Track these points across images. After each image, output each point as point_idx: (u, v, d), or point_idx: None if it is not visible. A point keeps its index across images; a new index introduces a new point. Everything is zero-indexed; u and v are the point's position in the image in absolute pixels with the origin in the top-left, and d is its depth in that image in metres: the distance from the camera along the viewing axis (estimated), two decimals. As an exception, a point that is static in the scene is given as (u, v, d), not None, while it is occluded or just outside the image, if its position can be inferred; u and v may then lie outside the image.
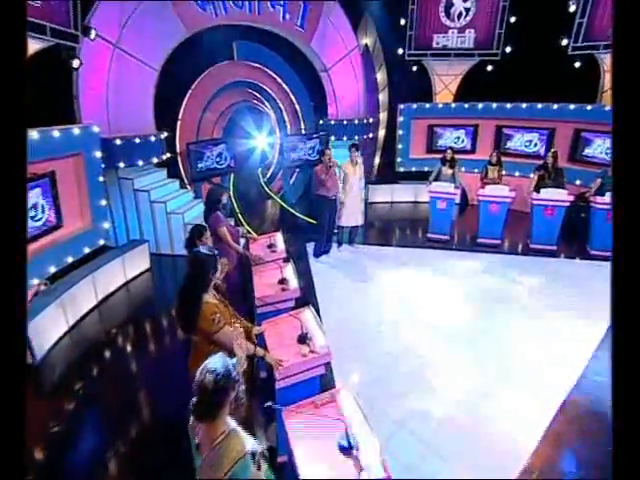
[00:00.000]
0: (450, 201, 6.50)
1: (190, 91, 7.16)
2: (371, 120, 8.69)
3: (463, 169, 7.34)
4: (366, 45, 8.98)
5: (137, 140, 5.86)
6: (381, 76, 9.44)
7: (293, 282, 3.29)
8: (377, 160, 9.56)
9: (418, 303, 4.66)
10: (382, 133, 9.55)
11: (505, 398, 3.17)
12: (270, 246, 4.13)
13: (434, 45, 8.32)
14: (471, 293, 4.84)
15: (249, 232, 5.20)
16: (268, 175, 9.75)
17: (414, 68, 8.59)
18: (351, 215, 6.00)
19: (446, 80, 8.73)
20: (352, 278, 5.29)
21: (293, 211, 7.53)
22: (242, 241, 4.10)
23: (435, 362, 3.61)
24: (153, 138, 6.19)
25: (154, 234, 6.00)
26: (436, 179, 6.65)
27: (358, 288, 5.01)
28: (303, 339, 2.44)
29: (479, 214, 6.28)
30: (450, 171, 6.67)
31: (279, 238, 4.27)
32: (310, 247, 6.05)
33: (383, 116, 9.53)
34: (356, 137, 8.11)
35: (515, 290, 4.92)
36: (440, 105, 8.56)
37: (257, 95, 8.58)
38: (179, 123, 7.18)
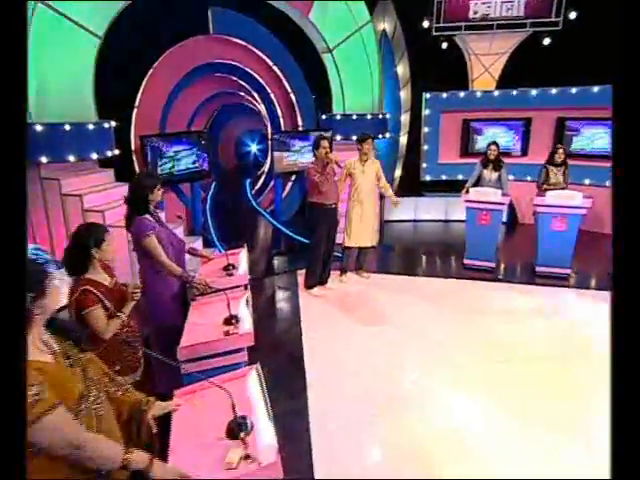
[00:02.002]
0: (496, 214, 5.89)
1: (151, 72, 6.68)
2: (388, 116, 8.32)
3: (511, 177, 6.60)
4: (384, 32, 8.92)
5: (67, 127, 5.15)
6: (403, 70, 9.27)
7: (245, 322, 2.48)
8: (398, 172, 9.39)
9: (452, 358, 4.03)
10: (404, 140, 9.45)
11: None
12: (227, 268, 3.37)
13: (470, 16, 7.89)
14: (529, 344, 4.26)
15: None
16: (259, 185, 9.54)
17: (443, 45, 8.20)
18: (360, 233, 5.52)
19: (486, 61, 8.36)
20: (356, 319, 4.78)
21: (283, 229, 7.22)
22: (187, 258, 3.53)
23: (489, 458, 2.84)
24: (92, 127, 5.49)
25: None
26: (475, 185, 6.15)
27: (364, 335, 4.46)
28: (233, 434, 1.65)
29: (537, 233, 5.80)
30: (495, 174, 6.12)
31: (242, 257, 3.56)
32: (302, 275, 5.60)
33: (405, 119, 9.36)
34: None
35: (592, 341, 4.23)
36: (479, 93, 8.21)
37: (241, 83, 8.29)
38: (135, 112, 6.65)
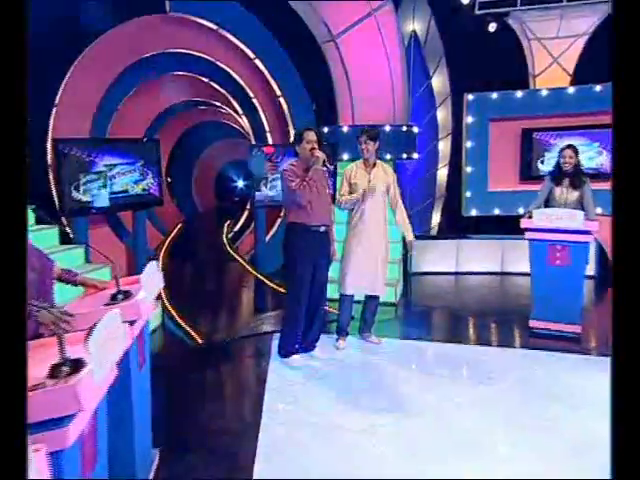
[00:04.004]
0: (578, 249, 5.38)
1: (78, 60, 6.75)
2: (416, 130, 8.29)
3: (598, 210, 6.29)
4: (414, 35, 9.33)
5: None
6: (440, 82, 9.62)
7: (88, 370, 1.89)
8: (436, 219, 9.76)
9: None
10: (443, 174, 9.70)
11: None
12: (115, 296, 2.99)
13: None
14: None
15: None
16: (239, 226, 10.14)
17: (491, 28, 8.47)
18: (362, 274, 5.15)
19: (555, 48, 8.39)
20: (350, 405, 4.19)
21: (262, 278, 7.41)
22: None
23: None
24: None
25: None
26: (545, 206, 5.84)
27: (357, 432, 3.82)
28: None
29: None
30: (574, 193, 5.64)
31: (147, 279, 3.18)
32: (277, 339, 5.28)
33: (445, 147, 9.54)
34: (388, 156, 7.74)
35: None
36: (544, 92, 8.08)
37: (213, 85, 8.57)
38: (55, 111, 6.67)
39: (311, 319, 5.01)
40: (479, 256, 8.17)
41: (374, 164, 5.10)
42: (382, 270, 5.20)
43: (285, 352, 4.90)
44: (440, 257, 8.16)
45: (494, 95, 8.13)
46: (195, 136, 10.52)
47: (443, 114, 9.62)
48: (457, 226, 8.64)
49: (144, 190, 6.73)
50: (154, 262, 3.40)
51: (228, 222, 10.39)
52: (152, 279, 3.28)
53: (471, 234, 8.31)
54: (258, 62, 7.91)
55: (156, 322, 5.60)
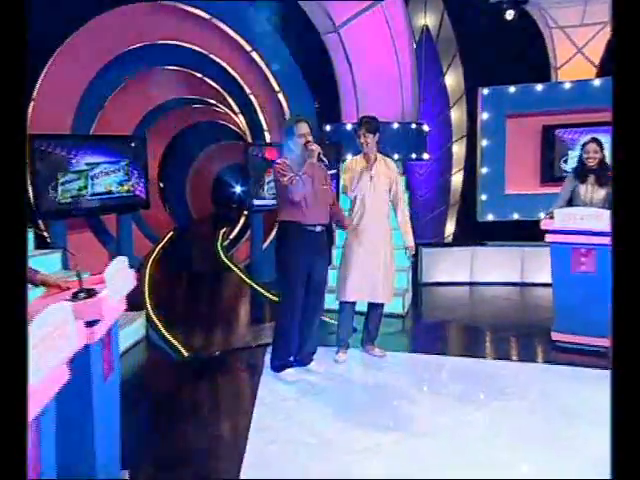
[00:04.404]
0: (605, 252, 5.21)
1: (59, 50, 6.79)
2: (426, 128, 8.45)
3: None
4: (425, 30, 9.49)
5: None
6: (454, 81, 9.69)
7: None
8: (450, 228, 9.78)
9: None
10: (457, 181, 9.66)
11: None
12: (76, 295, 2.90)
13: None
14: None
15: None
16: (235, 233, 10.28)
17: (508, 15, 8.40)
18: (363, 278, 5.06)
19: (579, 37, 8.42)
20: (350, 424, 4.10)
21: (257, 287, 7.46)
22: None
23: None
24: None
25: None
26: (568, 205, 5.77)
27: (366, 455, 3.71)
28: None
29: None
30: (600, 192, 5.55)
31: (112, 274, 3.06)
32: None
33: (459, 151, 9.59)
34: (396, 156, 7.79)
35: None
36: (567, 85, 8.08)
37: (207, 81, 8.68)
38: (33, 105, 6.69)
39: (307, 329, 4.90)
40: (496, 265, 8.09)
41: (375, 158, 5.02)
42: (386, 274, 5.12)
43: (278, 365, 4.81)
44: (453, 266, 8.10)
45: (512, 89, 8.06)
46: (189, 138, 10.54)
47: (457, 114, 9.60)
48: (472, 232, 8.60)
49: (129, 192, 6.71)
50: (122, 257, 3.32)
51: (224, 229, 10.48)
52: (119, 276, 3.16)
53: (487, 241, 8.23)
54: (255, 55, 7.92)
55: (139, 334, 5.58)
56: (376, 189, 5.00)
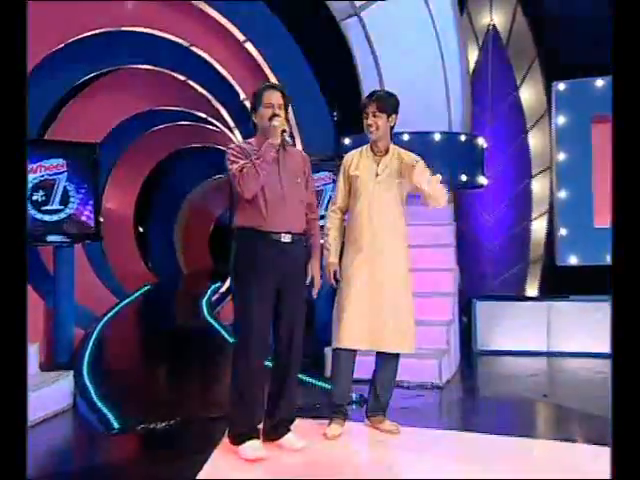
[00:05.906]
0: None
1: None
2: (484, 144, 8.35)
3: None
4: (492, 29, 9.83)
5: None
6: (532, 95, 9.72)
7: None
8: (532, 290, 9.97)
9: None
10: (540, 227, 9.61)
11: None
12: None
13: None
14: None
15: None
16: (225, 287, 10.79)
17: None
18: (368, 317, 4.72)
19: None
20: None
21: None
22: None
23: None
24: None
25: None
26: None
27: None
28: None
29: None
30: None
31: None
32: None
33: (541, 189, 9.44)
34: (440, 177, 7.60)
35: None
36: None
37: (192, 85, 8.93)
38: None
39: (279, 383, 4.47)
40: (581, 327, 7.62)
41: (386, 150, 4.64)
42: (399, 311, 4.67)
43: (237, 437, 4.29)
44: (522, 328, 7.80)
45: (599, 82, 7.86)
46: (178, 168, 10.52)
47: (538, 140, 9.36)
48: (549, 281, 8.48)
49: (70, 217, 6.56)
50: None
51: (217, 284, 10.84)
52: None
53: (566, 292, 7.96)
54: (250, 47, 8.05)
55: (63, 403, 5.63)
56: (384, 188, 4.63)
